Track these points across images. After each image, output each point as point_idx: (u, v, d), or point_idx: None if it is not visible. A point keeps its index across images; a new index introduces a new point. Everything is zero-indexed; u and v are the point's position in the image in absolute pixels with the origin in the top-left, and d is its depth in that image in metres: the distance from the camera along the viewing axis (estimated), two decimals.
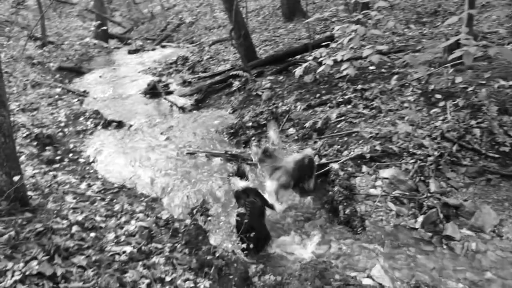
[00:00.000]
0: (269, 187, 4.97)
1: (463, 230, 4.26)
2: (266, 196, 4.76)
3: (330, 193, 4.99)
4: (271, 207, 4.65)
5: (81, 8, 19.53)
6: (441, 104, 6.14)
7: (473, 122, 5.55)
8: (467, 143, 5.30)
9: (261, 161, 5.11)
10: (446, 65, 6.69)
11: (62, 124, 7.71)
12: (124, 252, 3.63)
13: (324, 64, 5.68)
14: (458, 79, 6.51)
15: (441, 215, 4.34)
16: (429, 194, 4.66)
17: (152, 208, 4.82)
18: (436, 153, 5.09)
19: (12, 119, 7.11)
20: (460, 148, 5.29)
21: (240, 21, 9.58)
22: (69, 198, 4.78)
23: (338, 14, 12.81)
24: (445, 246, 4.11)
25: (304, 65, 6.22)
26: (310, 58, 6.29)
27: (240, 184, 4.53)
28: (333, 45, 6.18)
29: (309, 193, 5.31)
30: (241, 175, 4.68)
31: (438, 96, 6.36)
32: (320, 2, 16.47)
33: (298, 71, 6.12)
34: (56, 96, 9.46)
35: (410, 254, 4.06)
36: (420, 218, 4.41)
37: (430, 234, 4.25)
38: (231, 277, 3.72)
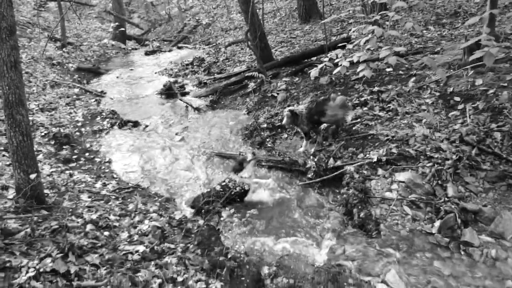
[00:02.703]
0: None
1: (482, 236, 4.14)
2: None
3: (345, 195, 4.92)
4: None
5: (100, 10, 19.84)
6: (460, 107, 6.00)
7: (493, 125, 5.40)
8: (487, 147, 5.16)
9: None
10: (466, 67, 6.55)
11: (79, 124, 7.82)
12: (137, 251, 3.65)
13: (340, 65, 5.62)
14: (479, 81, 6.37)
15: (459, 221, 4.22)
16: (446, 199, 4.55)
17: (166, 208, 4.84)
18: (454, 156, 4.96)
19: (31, 118, 7.27)
20: (479, 152, 5.14)
21: (256, 22, 9.57)
22: (84, 196, 4.85)
23: (355, 15, 12.69)
24: (463, 253, 4.00)
25: (320, 66, 6.15)
26: (326, 59, 6.22)
27: None
28: (350, 46, 6.09)
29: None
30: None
31: (457, 98, 6.22)
32: (337, 3, 16.35)
33: (314, 72, 6.05)
34: (74, 96, 9.61)
35: (426, 260, 3.96)
36: (437, 223, 4.30)
37: (447, 239, 4.14)
38: (243, 278, 3.70)
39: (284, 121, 6.27)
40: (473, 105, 5.90)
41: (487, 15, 5.35)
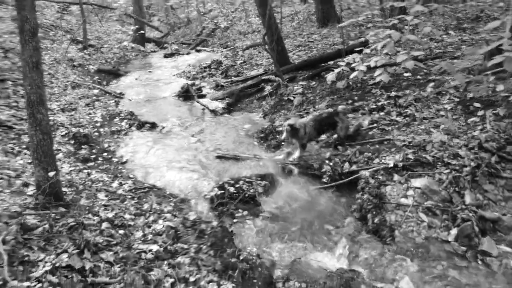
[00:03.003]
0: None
1: (501, 246, 4.05)
2: None
3: (359, 200, 4.88)
4: None
5: (121, 13, 20.20)
6: (480, 113, 5.89)
7: None
8: (507, 154, 5.04)
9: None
10: (487, 72, 6.41)
11: (98, 124, 7.97)
12: (150, 250, 3.70)
13: (357, 70, 5.58)
14: (500, 87, 6.22)
15: (477, 229, 4.14)
16: (464, 206, 4.47)
17: (180, 208, 4.89)
18: (472, 163, 4.87)
19: (52, 118, 7.44)
20: (499, 159, 5.03)
21: (274, 26, 9.60)
22: (101, 195, 4.93)
23: (373, 20, 12.61)
24: (480, 262, 3.92)
25: (336, 70, 6.13)
26: (343, 63, 6.19)
27: None
28: (367, 50, 6.06)
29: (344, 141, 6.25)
30: None
31: (477, 104, 6.12)
32: (355, 7, 16.29)
33: (330, 76, 6.04)
34: (94, 97, 9.80)
35: (441, 268, 3.90)
36: (454, 231, 4.23)
37: (464, 248, 4.06)
38: (255, 281, 3.71)
39: (283, 136, 6.09)
40: (493, 112, 5.78)
41: (509, 19, 5.26)
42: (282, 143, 6.81)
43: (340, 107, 6.45)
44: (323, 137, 6.64)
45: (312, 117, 6.38)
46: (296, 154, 6.24)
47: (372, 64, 5.34)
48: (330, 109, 6.47)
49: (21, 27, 4.08)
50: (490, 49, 4.58)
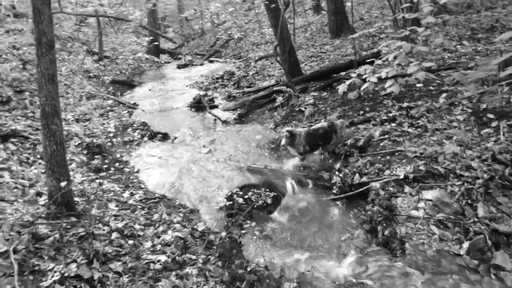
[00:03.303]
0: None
1: None
2: None
3: (369, 212, 4.84)
4: None
5: (136, 25, 20.59)
6: (494, 124, 5.80)
7: None
8: None
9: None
10: (501, 83, 6.33)
11: (111, 135, 8.10)
12: (159, 261, 3.73)
13: (368, 81, 5.57)
14: None
15: (490, 242, 4.06)
16: (476, 219, 4.38)
17: (190, 219, 4.91)
18: (485, 175, 4.79)
19: (67, 128, 7.60)
20: None
21: (286, 37, 9.66)
22: (112, 205, 5.00)
23: (386, 31, 12.59)
24: (493, 276, 3.83)
25: (348, 82, 6.12)
26: (354, 74, 6.19)
27: None
28: (378, 62, 6.05)
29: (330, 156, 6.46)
30: None
31: (491, 115, 6.02)
32: (368, 18, 16.29)
33: (341, 88, 6.02)
34: (108, 108, 9.98)
35: (453, 282, 3.82)
36: (466, 244, 4.15)
37: (476, 262, 3.98)
38: None
39: (283, 142, 6.30)
40: (507, 123, 5.69)
41: None
42: (284, 150, 6.93)
43: (338, 122, 6.64)
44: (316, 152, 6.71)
45: (308, 129, 6.51)
46: (295, 162, 6.31)
47: (383, 75, 5.32)
48: (325, 124, 6.56)
49: (38, 40, 4.21)
50: (504, 59, 4.52)
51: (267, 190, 5.26)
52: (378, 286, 3.91)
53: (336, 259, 4.43)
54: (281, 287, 3.90)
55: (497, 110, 6.10)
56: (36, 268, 3.12)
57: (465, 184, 4.83)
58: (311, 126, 6.77)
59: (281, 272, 4.15)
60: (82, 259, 3.29)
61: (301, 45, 15.10)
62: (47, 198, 4.37)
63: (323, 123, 6.63)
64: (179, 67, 17.06)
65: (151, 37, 18.45)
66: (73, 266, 3.16)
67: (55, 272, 3.00)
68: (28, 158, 6.01)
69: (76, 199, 4.76)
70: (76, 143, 7.19)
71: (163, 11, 30.82)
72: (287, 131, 6.26)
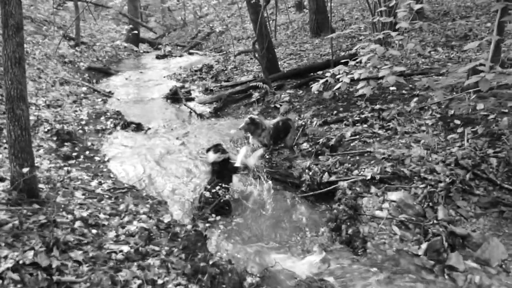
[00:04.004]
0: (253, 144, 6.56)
1: (468, 261, 4.11)
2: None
3: (335, 211, 4.93)
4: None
5: (116, 12, 20.18)
6: (460, 130, 6.00)
7: (490, 151, 5.39)
8: (482, 172, 5.14)
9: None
10: (469, 90, 6.54)
11: (83, 122, 7.94)
12: (121, 251, 3.69)
13: (341, 81, 5.66)
14: (480, 106, 6.37)
15: (446, 244, 4.21)
16: (436, 221, 4.54)
17: (157, 211, 4.89)
18: (447, 179, 4.96)
19: (37, 113, 7.42)
20: (474, 176, 5.12)
21: (265, 33, 9.68)
22: (78, 193, 4.92)
23: (365, 32, 12.77)
24: (447, 277, 3.97)
25: (322, 81, 6.20)
26: (328, 74, 6.27)
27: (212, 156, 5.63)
28: (352, 63, 6.15)
29: (289, 149, 6.70)
30: (217, 151, 5.66)
31: (457, 121, 6.22)
32: (349, 19, 16.49)
33: (315, 86, 6.09)
34: (82, 95, 9.78)
35: (409, 281, 3.94)
36: (424, 245, 4.29)
37: (432, 262, 4.13)
38: (224, 286, 3.71)
39: (241, 126, 6.50)
40: (472, 129, 5.89)
41: (493, 41, 5.38)
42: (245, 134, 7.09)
43: (292, 116, 7.10)
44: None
45: (275, 122, 6.69)
46: (259, 153, 6.38)
47: (355, 76, 5.42)
48: (284, 118, 6.92)
49: (5, 22, 4.07)
50: (468, 68, 4.68)
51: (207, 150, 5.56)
52: (338, 283, 3.99)
53: (299, 255, 4.50)
54: (243, 281, 3.93)
55: (463, 117, 6.31)
56: None
57: (428, 187, 4.98)
58: (272, 120, 6.95)
59: (244, 267, 4.20)
60: (40, 247, 3.23)
61: (281, 42, 15.17)
62: (9, 184, 4.27)
63: (280, 118, 6.92)
64: (158, 57, 16.86)
65: (131, 26, 18.16)
66: (31, 253, 3.09)
67: (10, 259, 2.94)
68: None
69: (41, 186, 4.66)
70: (46, 129, 7.01)
71: None
72: (250, 118, 6.42)
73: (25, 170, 3.87)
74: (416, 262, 4.18)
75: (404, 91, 7.75)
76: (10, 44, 4.06)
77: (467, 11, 13.53)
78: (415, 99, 7.14)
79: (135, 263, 3.58)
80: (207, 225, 4.22)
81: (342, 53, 11.21)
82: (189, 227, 4.36)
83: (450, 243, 4.26)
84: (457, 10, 13.76)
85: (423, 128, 6.37)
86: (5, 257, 2.97)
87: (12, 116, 4.15)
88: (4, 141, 5.94)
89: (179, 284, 3.45)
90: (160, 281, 3.42)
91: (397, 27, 5.69)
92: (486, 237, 4.28)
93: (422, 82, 6.21)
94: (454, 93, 7.04)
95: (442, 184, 4.93)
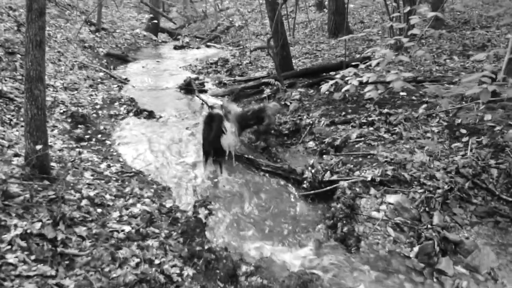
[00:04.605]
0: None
1: (458, 267, 4.20)
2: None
3: (333, 209, 5.06)
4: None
5: (137, 0, 20.47)
6: (465, 139, 6.04)
7: (492, 161, 5.43)
8: (481, 182, 5.19)
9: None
10: (478, 100, 6.56)
11: (98, 106, 8.19)
12: (123, 230, 3.90)
13: (350, 84, 5.75)
14: (487, 117, 6.36)
15: (437, 248, 4.30)
16: (430, 226, 4.62)
17: (160, 195, 5.09)
18: (446, 186, 5.03)
19: (54, 95, 7.69)
20: (473, 185, 5.18)
21: (281, 31, 9.78)
22: (87, 174, 5.14)
23: (376, 37, 12.78)
24: (435, 280, 4.08)
25: (331, 82, 6.28)
26: (338, 76, 6.36)
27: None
28: (362, 66, 6.22)
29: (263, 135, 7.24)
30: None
31: (463, 131, 6.26)
32: (368, 22, 16.45)
33: (324, 87, 6.14)
34: (99, 80, 10.04)
35: (398, 281, 4.06)
36: (416, 248, 4.39)
37: (422, 265, 4.22)
38: (218, 271, 3.89)
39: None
40: (477, 139, 5.93)
41: (491, 53, 5.42)
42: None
43: (271, 105, 7.59)
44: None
45: (240, 110, 7.38)
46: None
47: (364, 79, 5.51)
48: (256, 107, 7.42)
49: (29, 6, 4.29)
50: (473, 78, 4.73)
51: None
52: (329, 278, 4.13)
53: (294, 249, 4.65)
54: (238, 269, 4.10)
55: (470, 126, 6.34)
56: (2, 223, 3.27)
57: (426, 192, 5.06)
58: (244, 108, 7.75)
59: (240, 255, 4.36)
60: (48, 220, 3.45)
61: (298, 40, 15.23)
62: (23, 160, 4.50)
63: (254, 107, 7.55)
64: (175, 48, 17.07)
65: (151, 15, 18.39)
66: (38, 225, 3.31)
67: (19, 227, 3.16)
68: (11, 120, 6.11)
69: (53, 164, 4.89)
70: (61, 111, 7.28)
71: None
72: (221, 104, 7.44)
73: (38, 147, 4.09)
74: (407, 263, 4.29)
75: (414, 97, 7.78)
76: (32, 27, 4.28)
77: (488, 20, 13.39)
78: (424, 105, 7.18)
79: (135, 243, 3.78)
80: (207, 212, 4.38)
81: (357, 55, 11.25)
82: (189, 213, 4.54)
83: (442, 248, 4.36)
84: (478, 19, 13.63)
85: (429, 135, 6.41)
86: (15, 226, 3.19)
87: (30, 96, 4.38)
88: (21, 119, 6.21)
89: (174, 266, 3.63)
90: (157, 261, 3.61)
91: (409, 33, 5.76)
92: (478, 245, 4.36)
93: (430, 89, 6.27)
94: (464, 102, 7.05)
95: (440, 191, 5.00)
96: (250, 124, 7.20)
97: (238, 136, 7.06)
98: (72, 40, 12.13)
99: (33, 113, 4.39)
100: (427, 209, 4.90)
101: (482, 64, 9.51)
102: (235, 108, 7.24)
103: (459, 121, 6.55)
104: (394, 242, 4.57)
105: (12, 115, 6.22)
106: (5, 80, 7.16)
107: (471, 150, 5.73)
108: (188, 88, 10.24)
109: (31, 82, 4.37)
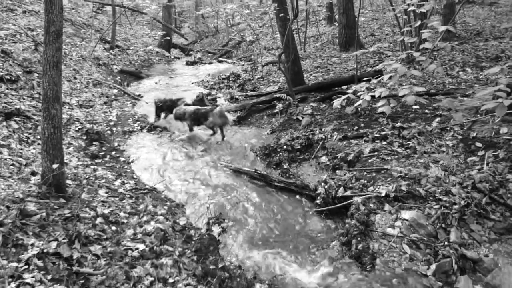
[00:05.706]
0: None
1: (478, 286, 4.10)
2: None
3: (347, 226, 5.00)
4: None
5: (150, 18, 20.88)
6: (481, 153, 5.95)
7: (510, 176, 5.33)
8: (499, 197, 5.09)
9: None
10: (493, 113, 6.48)
11: (112, 123, 8.31)
12: (137, 248, 3.91)
13: (362, 99, 5.74)
14: (503, 130, 6.29)
15: (455, 266, 4.21)
16: (447, 243, 4.53)
17: (174, 213, 5.10)
18: (463, 202, 4.94)
19: (70, 112, 7.84)
20: (491, 201, 5.08)
21: (291, 46, 9.85)
22: (102, 191, 5.19)
23: (388, 50, 12.76)
24: None
25: (343, 97, 6.29)
26: (350, 91, 6.36)
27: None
28: (374, 81, 6.22)
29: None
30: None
31: (479, 144, 6.17)
32: (379, 35, 16.47)
33: (337, 102, 6.18)
34: (113, 97, 10.21)
35: None
36: (433, 266, 4.30)
37: (440, 284, 4.13)
38: None
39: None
40: (493, 153, 5.83)
41: (505, 66, 5.37)
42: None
43: (223, 107, 8.87)
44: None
45: (193, 109, 8.39)
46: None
47: (376, 94, 5.50)
48: (207, 107, 8.50)
49: (47, 28, 4.43)
50: (487, 92, 4.68)
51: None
52: None
53: (309, 266, 4.59)
54: (252, 287, 4.07)
55: (485, 140, 6.25)
56: (20, 242, 3.31)
57: (442, 208, 4.98)
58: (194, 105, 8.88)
59: (254, 273, 4.33)
60: (64, 239, 3.49)
61: (309, 54, 15.30)
62: (40, 178, 4.58)
63: (205, 107, 8.62)
64: (188, 63, 17.30)
65: (164, 31, 18.72)
66: (54, 244, 3.35)
67: (36, 247, 3.20)
68: (28, 138, 6.23)
69: (68, 182, 4.97)
70: (77, 128, 7.41)
71: (181, 5, 31.16)
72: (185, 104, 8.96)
73: (55, 166, 4.17)
74: (424, 282, 4.20)
75: (427, 111, 7.73)
76: (50, 48, 4.40)
77: (502, 31, 13.30)
78: (437, 119, 7.12)
79: (149, 261, 3.79)
80: (220, 229, 4.38)
81: (369, 69, 11.24)
82: (203, 230, 4.54)
83: (460, 266, 4.26)
84: (491, 30, 13.54)
85: (443, 149, 6.34)
86: (32, 245, 3.22)
87: (47, 115, 4.48)
88: (38, 137, 6.33)
89: (188, 284, 3.62)
90: (171, 280, 3.61)
91: (420, 47, 5.75)
92: (498, 263, 4.26)
93: (443, 102, 6.20)
94: (478, 115, 6.97)
95: (456, 206, 4.92)
96: (201, 122, 8.36)
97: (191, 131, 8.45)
98: (87, 58, 12.40)
99: (49, 132, 4.48)
100: (443, 225, 4.81)
101: (496, 76, 9.42)
102: (189, 108, 8.47)
103: (474, 134, 6.47)
104: (410, 260, 4.49)
105: (29, 133, 6.35)
106: (23, 99, 7.33)
107: (487, 164, 5.63)
108: (200, 104, 10.30)
109: (48, 102, 4.48)
